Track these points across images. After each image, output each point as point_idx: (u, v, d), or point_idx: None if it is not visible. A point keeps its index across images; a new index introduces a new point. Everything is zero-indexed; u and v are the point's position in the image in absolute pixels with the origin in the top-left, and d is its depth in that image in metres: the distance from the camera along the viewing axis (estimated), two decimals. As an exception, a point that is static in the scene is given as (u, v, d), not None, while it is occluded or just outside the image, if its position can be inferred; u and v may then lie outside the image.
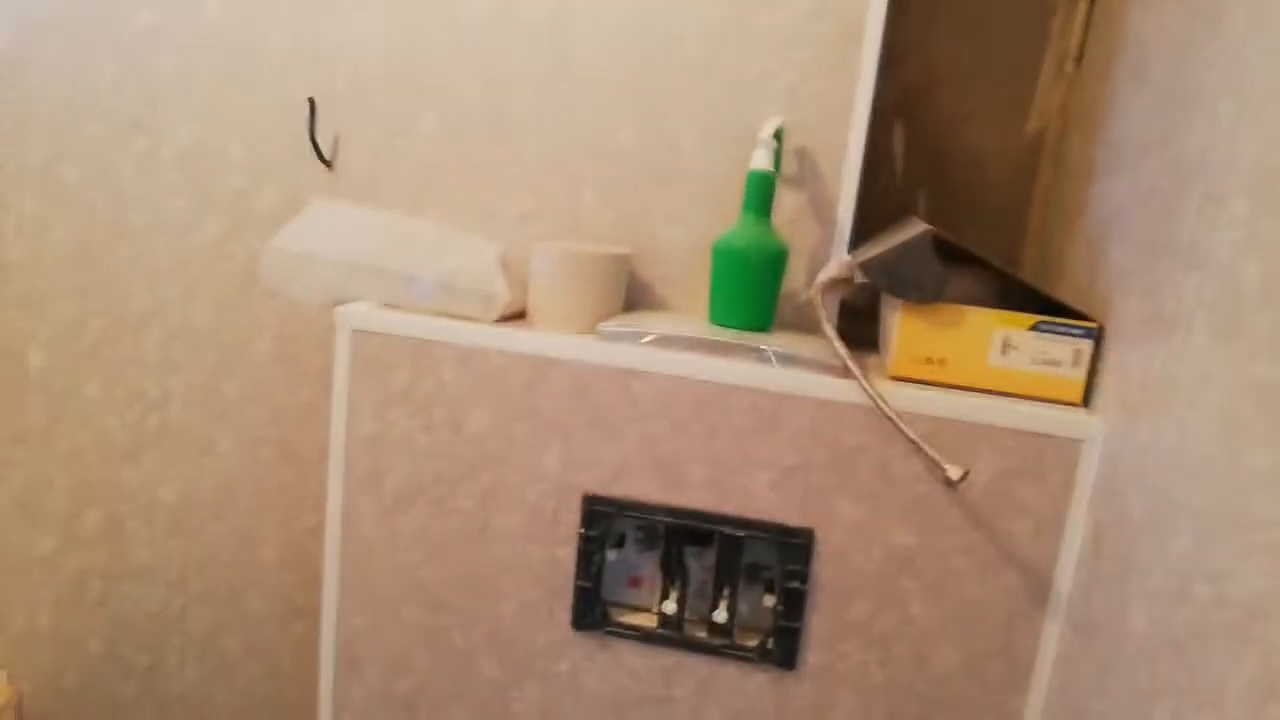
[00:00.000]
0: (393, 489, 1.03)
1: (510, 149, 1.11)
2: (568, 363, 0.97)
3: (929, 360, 0.94)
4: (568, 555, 1.00)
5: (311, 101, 1.13)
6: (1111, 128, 0.98)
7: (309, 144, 1.14)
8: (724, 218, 1.06)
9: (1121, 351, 0.85)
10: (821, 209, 1.07)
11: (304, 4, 1.12)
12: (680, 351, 0.96)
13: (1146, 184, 0.84)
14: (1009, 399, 0.92)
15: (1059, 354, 0.91)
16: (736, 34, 1.04)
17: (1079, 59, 1.17)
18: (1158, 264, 0.78)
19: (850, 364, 0.92)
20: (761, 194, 0.99)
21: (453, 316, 1.01)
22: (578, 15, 1.07)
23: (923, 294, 0.92)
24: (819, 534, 0.94)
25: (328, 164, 1.15)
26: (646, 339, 0.96)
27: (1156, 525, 0.71)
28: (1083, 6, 1.17)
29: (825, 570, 0.95)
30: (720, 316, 1.02)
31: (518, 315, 1.06)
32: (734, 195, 1.04)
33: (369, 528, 1.05)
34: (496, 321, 1.01)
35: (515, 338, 0.98)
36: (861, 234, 1.22)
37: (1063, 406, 0.91)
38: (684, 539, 1.01)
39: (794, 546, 0.95)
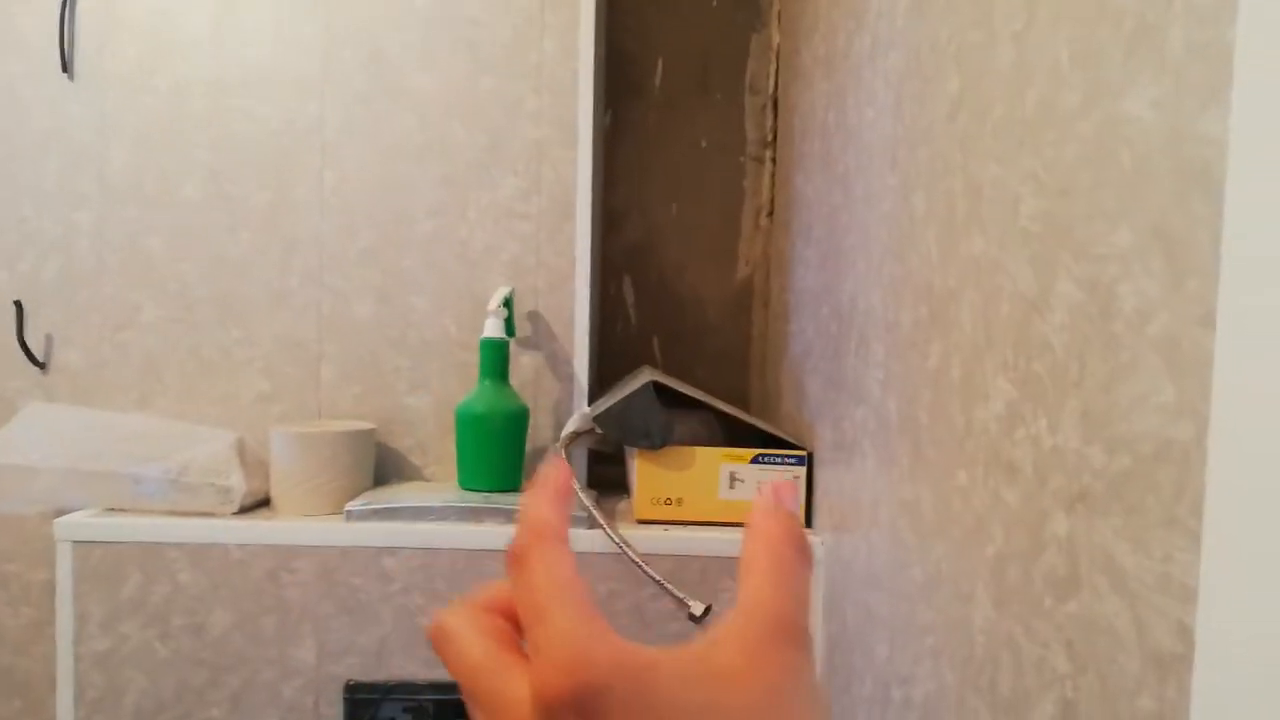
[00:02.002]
0: (132, 709, 0.96)
1: (241, 331, 1.10)
2: (315, 547, 0.95)
3: (667, 501, 1.00)
4: (331, 750, 0.96)
5: (18, 304, 1.08)
6: (796, 275, 1.12)
7: (16, 348, 1.08)
8: (466, 382, 1.10)
9: (825, 475, 0.95)
10: (559, 366, 1.13)
11: (5, 193, 1.08)
12: (431, 522, 0.97)
13: (823, 327, 0.96)
14: (740, 529, 0.99)
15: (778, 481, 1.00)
16: (461, 213, 1.10)
17: (770, 213, 1.33)
18: (838, 397, 0.89)
19: (596, 514, 0.96)
20: (495, 360, 1.04)
21: (187, 514, 0.97)
22: (298, 198, 1.10)
23: (652, 441, 0.99)
24: (583, 685, 0.96)
25: (40, 365, 1.09)
26: (395, 514, 0.97)
27: (864, 635, 0.79)
28: (769, 167, 1.33)
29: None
30: (469, 481, 1.04)
31: (262, 504, 1.03)
32: (474, 360, 1.09)
33: (104, 757, 0.96)
34: (236, 514, 0.98)
35: (255, 528, 0.96)
36: (604, 383, 1.30)
37: (788, 529, 0.99)
38: (454, 715, 0.99)
39: (561, 702, 0.95)
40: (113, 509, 0.99)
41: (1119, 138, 0.39)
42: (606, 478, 1.21)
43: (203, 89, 1.09)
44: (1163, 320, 0.36)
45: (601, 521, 0.95)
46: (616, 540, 0.94)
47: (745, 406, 1.35)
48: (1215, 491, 0.34)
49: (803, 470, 1.00)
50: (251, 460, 1.04)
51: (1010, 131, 0.50)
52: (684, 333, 1.36)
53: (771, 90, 1.33)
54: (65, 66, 1.08)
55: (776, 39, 1.32)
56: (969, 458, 0.56)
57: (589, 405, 1.12)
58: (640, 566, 0.94)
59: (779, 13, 1.32)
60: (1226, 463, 0.33)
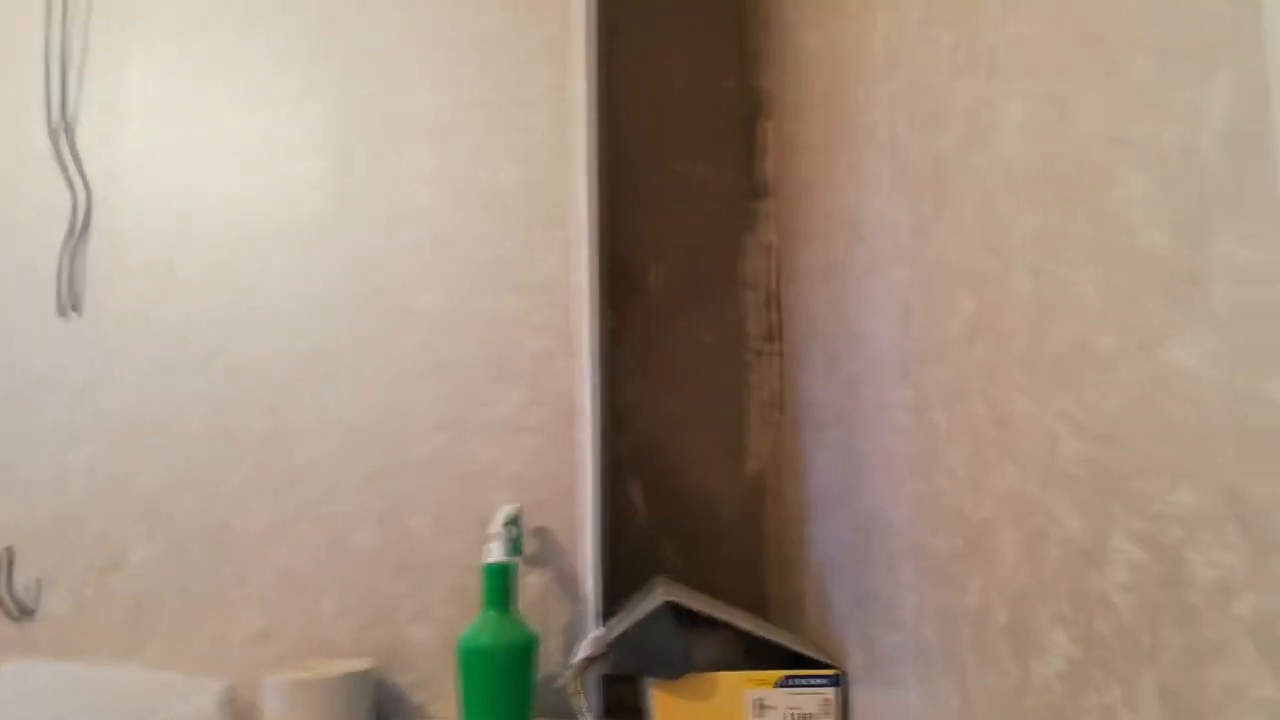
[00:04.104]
0: None
1: (235, 568, 1.05)
2: (306, 811, 0.87)
3: (691, 734, 0.92)
4: None
5: (9, 551, 1.03)
6: (811, 475, 1.08)
7: (5, 596, 1.03)
8: (469, 609, 1.04)
9: (861, 697, 0.87)
10: (569, 584, 1.07)
11: None
12: (433, 773, 0.89)
13: (845, 537, 0.92)
14: (773, 763, 0.90)
15: (809, 706, 0.93)
16: (462, 430, 1.08)
17: (780, 407, 1.31)
18: (866, 616, 0.83)
19: (612, 754, 0.88)
20: (499, 587, 0.98)
21: (170, 775, 0.89)
22: (300, 424, 1.07)
23: (671, 669, 0.92)
24: None
25: (27, 614, 1.03)
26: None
27: None
28: (776, 361, 1.32)
29: None
30: (475, 721, 0.96)
31: (251, 756, 0.95)
32: (477, 583, 1.03)
33: None
34: (223, 771, 0.90)
35: (242, 793, 0.87)
36: (617, 591, 1.23)
37: (825, 761, 0.91)
38: None
39: None
40: (89, 773, 0.91)
41: (1168, 389, 0.36)
42: (623, 699, 1.12)
43: (206, 322, 1.09)
44: (1251, 601, 0.32)
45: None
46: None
47: (764, 613, 1.28)
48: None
49: (834, 692, 0.93)
50: (243, 709, 0.96)
51: (1037, 365, 0.48)
52: (696, 534, 1.30)
53: (773, 286, 1.34)
54: (74, 305, 1.08)
55: (772, 239, 1.34)
56: (1029, 715, 0.50)
57: (602, 624, 1.06)
58: (666, 816, 0.85)
59: (776, 214, 1.35)
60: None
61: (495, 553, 0.99)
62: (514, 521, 1.02)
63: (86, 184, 1.10)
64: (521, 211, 1.11)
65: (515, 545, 1.02)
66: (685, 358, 1.34)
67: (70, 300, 1.09)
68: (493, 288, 1.10)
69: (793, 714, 0.93)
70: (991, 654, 0.55)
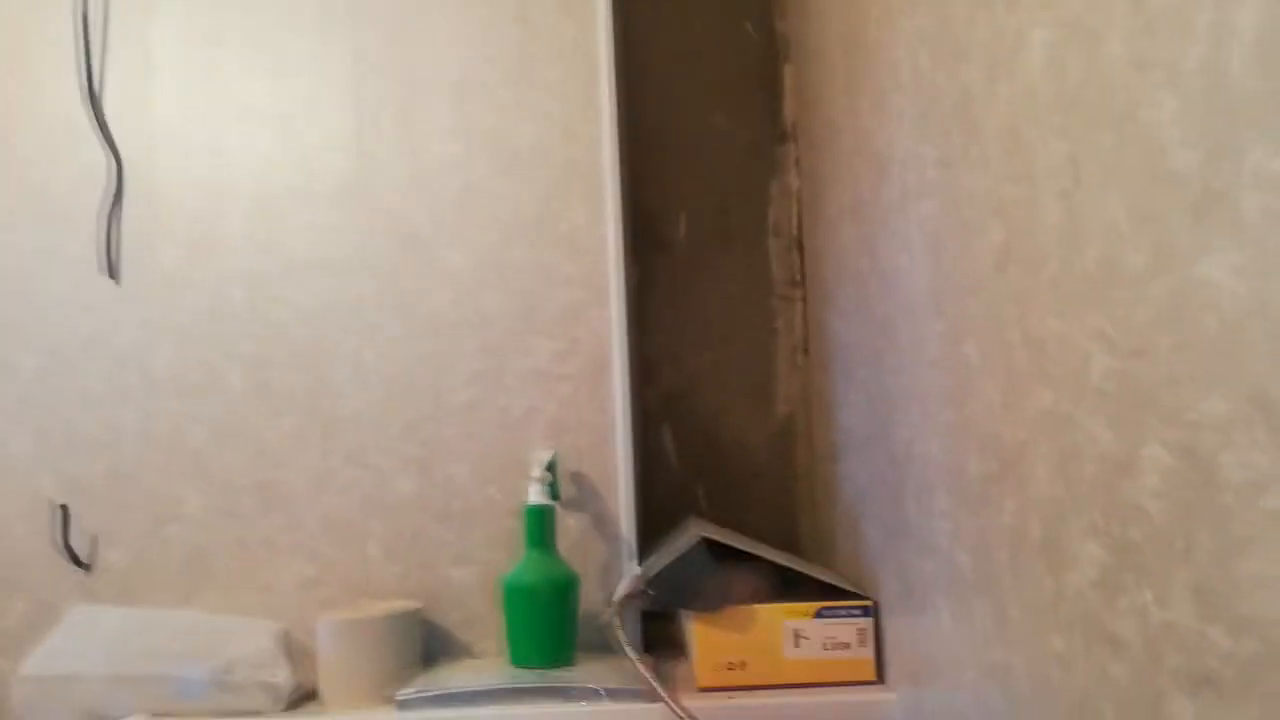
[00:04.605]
0: None
1: (284, 517, 1.09)
2: (365, 743, 0.91)
3: (731, 666, 0.96)
4: None
5: (64, 509, 1.08)
6: (841, 416, 1.10)
7: (59, 551, 1.07)
8: (511, 551, 1.07)
9: (895, 626, 0.90)
10: (605, 526, 1.10)
11: (51, 399, 1.10)
12: (483, 706, 0.92)
13: (877, 472, 0.94)
14: (811, 689, 0.94)
15: (845, 636, 0.96)
16: (499, 380, 1.10)
17: (806, 350, 1.33)
18: (901, 545, 0.86)
19: (657, 687, 0.91)
20: (540, 528, 1.01)
21: (235, 714, 0.94)
22: (337, 379, 1.10)
23: (708, 603, 0.95)
24: None
25: (85, 567, 1.08)
26: (448, 700, 0.92)
27: (961, 810, 0.73)
28: (799, 306, 1.34)
29: None
30: (521, 658, 1.00)
31: (310, 696, 0.99)
32: (519, 527, 1.06)
33: None
34: (286, 710, 0.95)
35: (304, 727, 0.92)
36: (652, 536, 1.26)
37: (861, 687, 0.94)
38: None
39: None
40: (159, 713, 0.96)
41: (1198, 302, 0.38)
42: (663, 635, 1.16)
43: (242, 281, 1.12)
44: (1278, 495, 0.34)
45: (664, 696, 0.90)
46: (680, 715, 0.89)
47: (796, 551, 1.31)
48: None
49: (869, 622, 0.96)
50: (297, 651, 1.00)
51: (1069, 287, 0.49)
52: (728, 478, 1.33)
53: (795, 232, 1.35)
54: (111, 272, 1.11)
55: (796, 184, 1.35)
56: (1064, 624, 0.52)
57: (639, 564, 1.09)
58: (709, 741, 0.89)
59: (797, 159, 1.35)
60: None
61: (535, 495, 1.02)
62: (551, 466, 1.05)
63: (116, 151, 1.12)
64: (546, 165, 1.13)
65: (553, 489, 1.05)
66: (712, 306, 1.35)
67: (111, 265, 1.11)
68: (521, 241, 1.12)
69: (829, 643, 0.96)
70: (1027, 570, 0.57)
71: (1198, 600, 0.39)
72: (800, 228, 1.34)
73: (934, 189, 0.71)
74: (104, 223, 1.11)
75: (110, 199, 1.12)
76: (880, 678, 0.95)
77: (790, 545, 1.31)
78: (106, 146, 1.12)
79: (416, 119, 1.13)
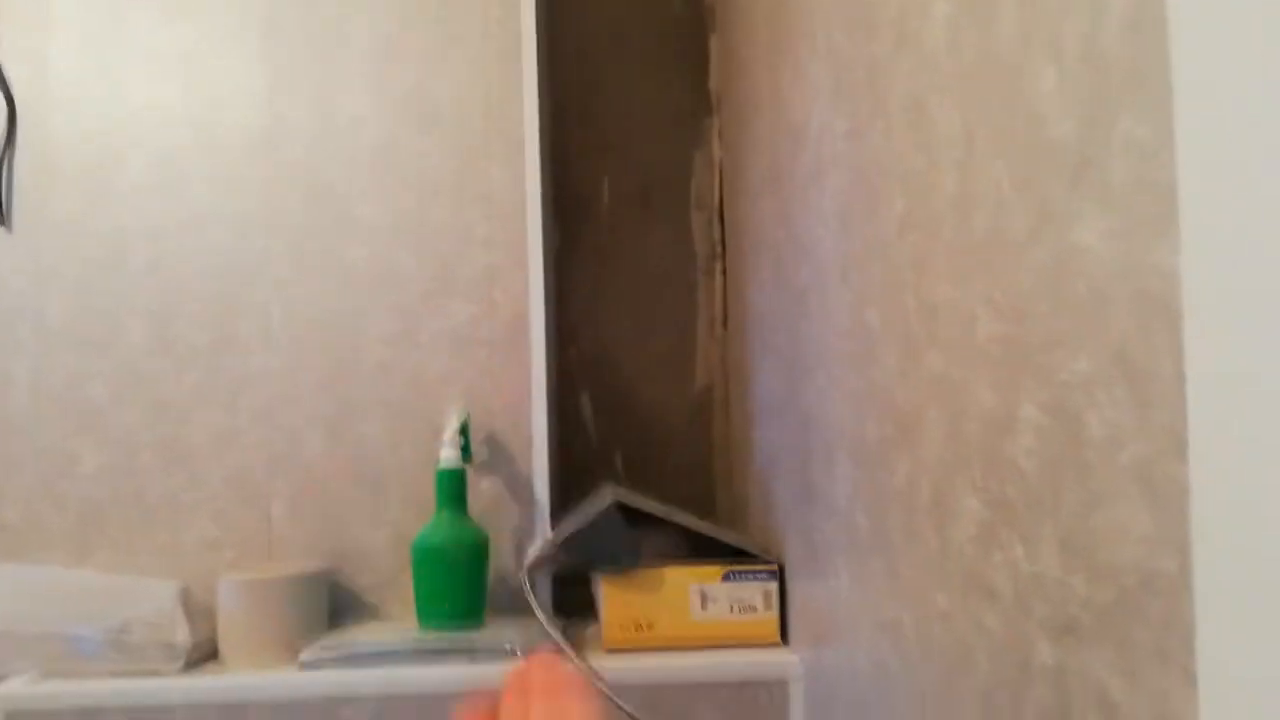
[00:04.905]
0: None
1: (186, 476, 1.06)
2: (266, 702, 0.90)
3: (638, 626, 0.97)
4: None
5: (-51, 460, 1.03)
6: (757, 384, 1.11)
7: (-53, 505, 1.03)
8: (423, 514, 1.07)
9: (799, 589, 0.93)
10: (520, 489, 1.10)
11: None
12: (389, 666, 0.92)
13: (786, 436, 0.96)
14: (716, 651, 0.96)
15: (752, 598, 0.98)
16: (413, 340, 1.09)
17: (725, 322, 1.34)
18: (807, 508, 0.88)
19: (563, 645, 0.92)
20: (451, 489, 1.01)
21: (131, 674, 0.92)
22: (245, 335, 1.08)
23: (619, 564, 0.96)
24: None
25: (-28, 523, 1.04)
26: (351, 660, 0.92)
27: (852, 762, 0.75)
28: (719, 279, 1.35)
29: None
30: (429, 618, 0.99)
31: (210, 656, 0.98)
32: (430, 491, 1.06)
33: None
34: (184, 669, 0.93)
35: (201, 686, 0.90)
36: (567, 502, 1.27)
37: (766, 648, 0.96)
38: None
39: None
40: (51, 672, 0.93)
41: (1072, 267, 0.40)
42: (575, 599, 1.17)
43: (144, 233, 1.08)
44: (1135, 450, 0.36)
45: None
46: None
47: (712, 518, 1.33)
48: (1206, 626, 0.33)
49: (774, 585, 0.98)
50: (197, 610, 0.98)
51: (961, 254, 0.51)
52: (646, 446, 1.34)
53: (717, 204, 1.36)
54: (2, 218, 1.06)
55: (719, 155, 1.36)
56: (947, 580, 0.54)
57: (552, 528, 1.10)
58: (613, 700, 0.90)
59: (720, 131, 1.36)
60: (1214, 595, 0.32)
61: (447, 458, 1.01)
62: (464, 429, 1.05)
63: (9, 94, 1.07)
64: (466, 125, 1.11)
65: (466, 451, 1.05)
66: (634, 275, 1.36)
67: (2, 211, 1.06)
68: (439, 201, 1.10)
69: (736, 605, 0.98)
70: (917, 529, 0.59)
71: (1063, 551, 0.41)
72: (722, 200, 1.35)
73: (844, 159, 0.72)
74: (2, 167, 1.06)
75: (1, 143, 1.06)
76: (784, 639, 0.98)
77: (706, 512, 1.33)
78: (1, 86, 1.06)
79: (331, 74, 1.10)
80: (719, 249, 1.35)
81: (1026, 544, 0.44)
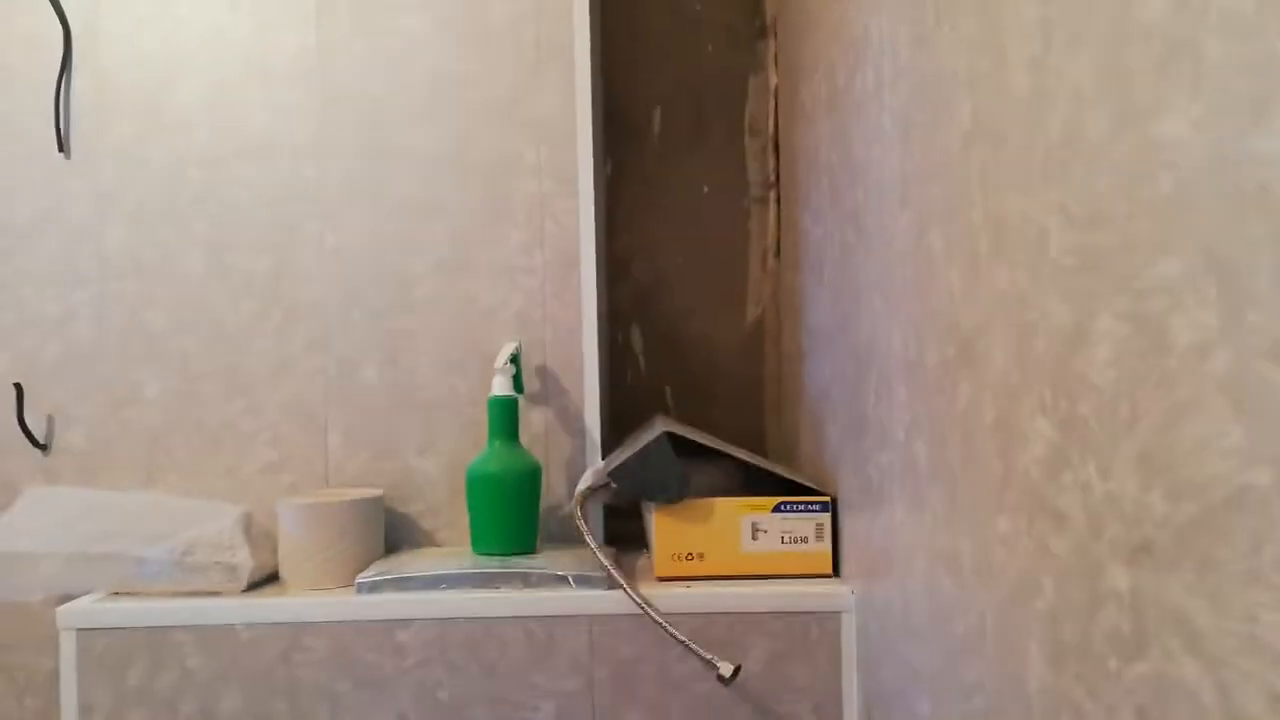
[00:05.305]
0: (141, 802, 0.92)
1: (245, 402, 1.08)
2: (325, 624, 0.92)
3: (689, 556, 0.97)
4: (351, 837, 0.92)
5: (18, 387, 1.06)
6: (809, 315, 1.09)
7: (17, 430, 1.06)
8: (476, 442, 1.07)
9: (851, 522, 0.91)
10: (571, 421, 1.10)
11: (1, 275, 1.07)
12: (445, 591, 0.93)
13: (839, 368, 0.94)
14: (767, 581, 0.95)
15: (803, 530, 0.97)
16: (464, 271, 1.08)
17: (777, 253, 1.31)
18: (860, 440, 0.86)
19: (615, 574, 0.92)
20: (504, 418, 1.01)
21: (194, 594, 0.94)
22: (299, 264, 1.08)
23: (669, 494, 0.96)
24: (612, 755, 0.92)
25: (42, 448, 1.07)
26: (407, 584, 0.93)
27: (905, 692, 0.75)
28: (772, 209, 1.32)
29: (624, 793, 0.92)
30: (483, 545, 1.00)
31: (271, 578, 1.00)
32: (483, 419, 1.06)
33: None
34: (245, 591, 0.95)
35: (263, 607, 0.92)
36: (617, 434, 1.27)
37: (816, 580, 0.96)
38: (476, 789, 0.95)
39: (589, 775, 0.91)
40: (118, 592, 0.96)
41: (1157, 162, 0.37)
42: (624, 532, 1.17)
43: (199, 161, 1.08)
44: (1224, 356, 0.33)
45: (621, 582, 0.91)
46: (638, 601, 0.91)
47: (762, 451, 1.32)
48: (1299, 541, 0.31)
49: (827, 517, 0.97)
50: (259, 534, 1.01)
51: (1032, 162, 0.48)
52: (696, 378, 1.33)
53: (772, 131, 1.32)
54: (61, 146, 1.07)
55: (774, 80, 1.31)
56: (1010, 505, 0.52)
57: (603, 459, 1.09)
58: (664, 628, 0.90)
59: (775, 55, 1.31)
60: (1309, 509, 0.30)
61: (500, 386, 1.01)
62: (515, 359, 1.04)
63: (64, 17, 1.07)
64: (516, 47, 1.08)
65: (517, 381, 1.04)
66: (686, 204, 1.33)
67: (64, 139, 1.07)
68: (489, 126, 1.09)
69: (787, 537, 0.97)
70: (977, 454, 0.57)
71: (1140, 469, 0.39)
72: (777, 127, 1.31)
73: (907, 70, 0.68)
74: (57, 94, 1.07)
75: (59, 69, 1.07)
76: (836, 572, 0.97)
77: (757, 445, 1.32)
78: (55, 11, 1.07)
79: (382, -3, 1.08)
80: (773, 178, 1.32)
81: (1099, 462, 0.42)
